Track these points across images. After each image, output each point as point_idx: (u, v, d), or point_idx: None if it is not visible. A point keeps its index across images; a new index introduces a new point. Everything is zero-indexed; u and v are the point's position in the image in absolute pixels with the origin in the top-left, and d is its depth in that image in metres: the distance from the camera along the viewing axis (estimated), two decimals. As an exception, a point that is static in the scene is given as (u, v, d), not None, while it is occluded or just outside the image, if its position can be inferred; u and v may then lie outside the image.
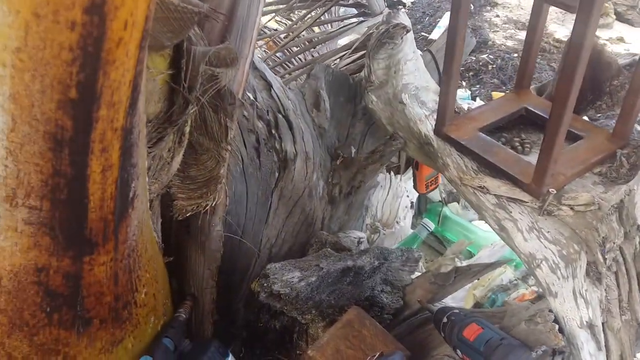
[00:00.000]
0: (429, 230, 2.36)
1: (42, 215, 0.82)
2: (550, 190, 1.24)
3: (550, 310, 1.14)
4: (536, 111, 1.50)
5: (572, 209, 1.25)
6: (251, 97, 1.51)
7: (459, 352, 1.08)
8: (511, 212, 1.28)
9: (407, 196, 2.76)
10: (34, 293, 0.89)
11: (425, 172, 2.01)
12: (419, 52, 1.67)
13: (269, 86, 1.57)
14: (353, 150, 1.68)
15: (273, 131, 1.58)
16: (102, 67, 0.69)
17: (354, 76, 1.74)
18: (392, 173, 2.76)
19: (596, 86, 1.51)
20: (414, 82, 1.58)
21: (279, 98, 1.58)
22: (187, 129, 1.13)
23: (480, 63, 4.23)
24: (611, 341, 1.20)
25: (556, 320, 1.15)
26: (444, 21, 4.76)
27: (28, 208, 0.80)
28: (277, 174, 1.63)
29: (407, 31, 1.54)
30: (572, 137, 1.40)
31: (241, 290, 1.69)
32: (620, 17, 5.22)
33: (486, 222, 1.34)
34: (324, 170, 1.69)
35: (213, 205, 1.27)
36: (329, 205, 1.73)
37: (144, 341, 1.15)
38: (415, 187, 2.09)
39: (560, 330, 1.15)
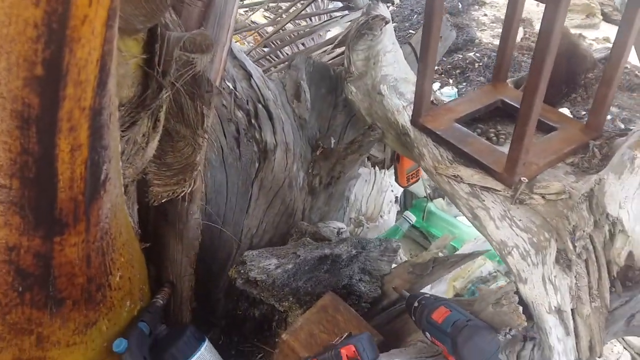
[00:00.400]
0: (410, 223, 2.38)
1: (12, 194, 0.83)
2: (522, 179, 1.26)
3: (516, 292, 1.16)
4: (512, 103, 1.52)
5: (543, 197, 1.27)
6: (230, 87, 1.53)
7: (427, 334, 1.10)
8: (484, 200, 1.30)
9: (392, 191, 2.78)
10: (5, 272, 0.90)
11: (406, 165, 2.03)
12: (399, 44, 1.68)
13: (248, 76, 1.58)
14: (332, 141, 1.69)
15: (253, 121, 1.59)
16: (67, 45, 0.70)
17: (335, 68, 1.75)
18: (377, 168, 2.78)
19: (571, 79, 1.53)
20: (392, 73, 1.59)
21: (258, 88, 1.59)
22: (162, 114, 1.14)
23: (467, 61, 4.26)
24: (580, 327, 1.22)
25: (523, 304, 1.17)
26: (433, 19, 4.77)
27: (-3, 186, 0.81)
28: (257, 164, 1.64)
29: (386, 22, 1.56)
30: (546, 129, 1.43)
31: (221, 280, 1.70)
32: (606, 18, 5.27)
33: (460, 211, 1.35)
34: (304, 161, 1.71)
35: (189, 191, 1.28)
36: (309, 196, 1.75)
37: (119, 324, 1.16)
38: (396, 180, 2.11)
39: (530, 316, 1.17)
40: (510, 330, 1.07)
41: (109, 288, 1.09)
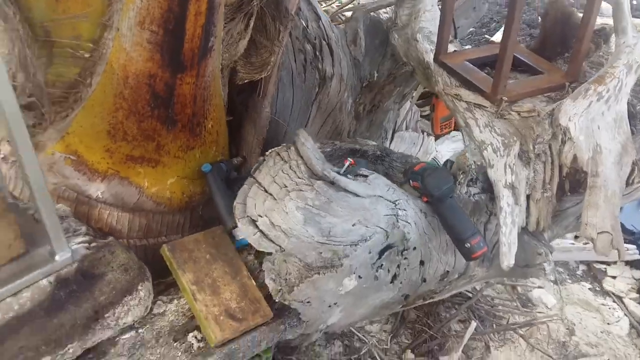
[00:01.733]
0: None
1: (158, 38, 1.39)
2: (503, 98, 1.70)
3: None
4: (519, 56, 1.95)
5: (519, 114, 1.71)
6: (304, 24, 2.06)
7: (411, 182, 1.56)
8: (475, 113, 1.75)
9: (436, 153, 3.24)
10: (146, 92, 1.46)
11: (441, 113, 2.48)
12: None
13: (318, 18, 2.11)
14: (376, 75, 2.19)
15: (317, 53, 2.11)
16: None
17: (387, 23, 2.24)
18: (425, 134, 3.24)
19: (564, 42, 1.95)
20: (428, 27, 2.07)
21: (325, 29, 2.12)
22: (251, 22, 1.68)
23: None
24: (532, 207, 1.65)
25: (490, 184, 1.62)
26: (506, 25, 5.16)
27: (150, 31, 1.37)
28: (317, 89, 2.16)
29: (426, -13, 2.04)
30: (535, 72, 1.86)
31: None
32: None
33: (457, 121, 1.81)
34: (353, 91, 2.21)
35: (262, 84, 1.82)
36: (355, 120, 2.25)
37: (207, 158, 1.69)
38: (432, 129, 2.56)
39: (494, 191, 1.61)
40: (462, 172, 1.52)
41: (204, 128, 1.64)
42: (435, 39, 2.04)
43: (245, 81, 1.77)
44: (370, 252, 1.33)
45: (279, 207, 1.18)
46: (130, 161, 1.53)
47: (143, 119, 1.50)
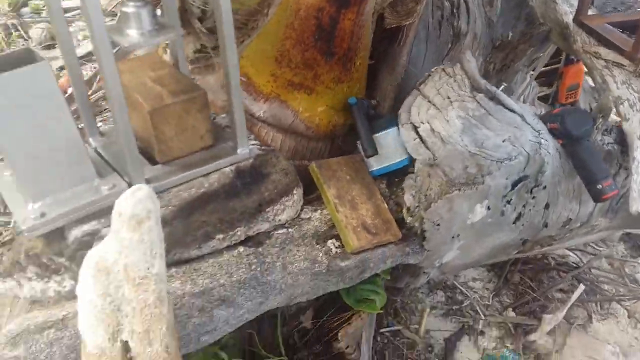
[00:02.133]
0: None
1: (329, -25, 1.56)
2: (644, 57, 1.75)
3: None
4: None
5: (658, 74, 1.75)
6: (445, -19, 2.17)
7: (548, 124, 1.65)
8: (613, 71, 1.81)
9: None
10: (312, 24, 1.64)
11: (568, 81, 2.52)
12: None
13: (458, -23, 2.21)
14: (510, 34, 2.27)
15: (454, 11, 2.22)
16: None
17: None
18: (542, 109, 3.26)
19: None
20: (568, -9, 2.13)
21: (464, -13, 2.22)
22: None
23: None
24: (663, 163, 1.70)
25: (623, 135, 1.68)
26: (633, 12, 4.99)
27: (325, -30, 1.55)
28: (449, 45, 2.27)
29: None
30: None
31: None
32: None
33: (592, 78, 1.87)
34: (485, 50, 2.30)
35: (404, 31, 1.95)
36: (484, 78, 2.33)
37: (351, 93, 1.86)
38: (555, 98, 2.61)
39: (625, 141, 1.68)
40: (602, 116, 1.60)
41: (353, 65, 1.80)
42: (572, 2, 2.10)
43: (393, 26, 1.91)
44: (506, 179, 1.45)
45: (441, 115, 1.32)
46: (290, 86, 1.72)
47: (307, 49, 1.68)
